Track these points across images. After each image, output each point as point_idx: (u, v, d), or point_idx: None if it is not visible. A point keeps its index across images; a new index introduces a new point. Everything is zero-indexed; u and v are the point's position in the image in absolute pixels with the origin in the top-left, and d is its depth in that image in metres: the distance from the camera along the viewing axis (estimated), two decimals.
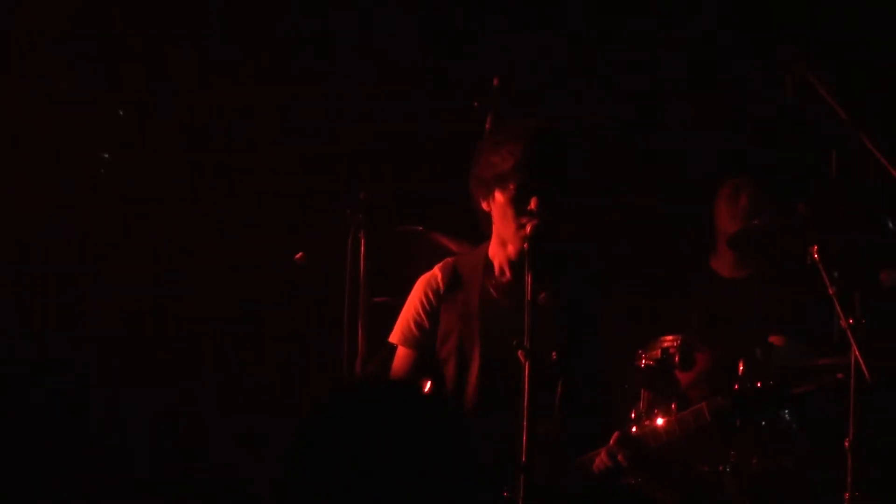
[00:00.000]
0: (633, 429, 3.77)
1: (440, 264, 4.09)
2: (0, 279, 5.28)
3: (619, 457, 3.73)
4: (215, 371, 5.40)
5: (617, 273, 4.17)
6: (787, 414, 4.49)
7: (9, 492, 5.20)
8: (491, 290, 3.98)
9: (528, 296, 3.65)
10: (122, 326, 5.38)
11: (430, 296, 4.04)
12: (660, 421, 3.76)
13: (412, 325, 4.05)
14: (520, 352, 3.60)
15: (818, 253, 4.19)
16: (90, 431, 5.32)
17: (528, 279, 3.67)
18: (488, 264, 4.00)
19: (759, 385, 3.75)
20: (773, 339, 4.57)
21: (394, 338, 4.09)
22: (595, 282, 4.00)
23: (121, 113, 5.45)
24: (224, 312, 5.40)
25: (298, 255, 4.54)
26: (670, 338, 4.42)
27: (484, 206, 3.92)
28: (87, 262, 5.32)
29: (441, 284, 4.04)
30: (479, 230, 4.01)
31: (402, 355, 4.08)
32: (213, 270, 5.43)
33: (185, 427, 5.39)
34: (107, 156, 5.45)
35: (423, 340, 4.04)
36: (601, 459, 3.76)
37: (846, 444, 4.13)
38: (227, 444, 5.35)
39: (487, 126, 4.53)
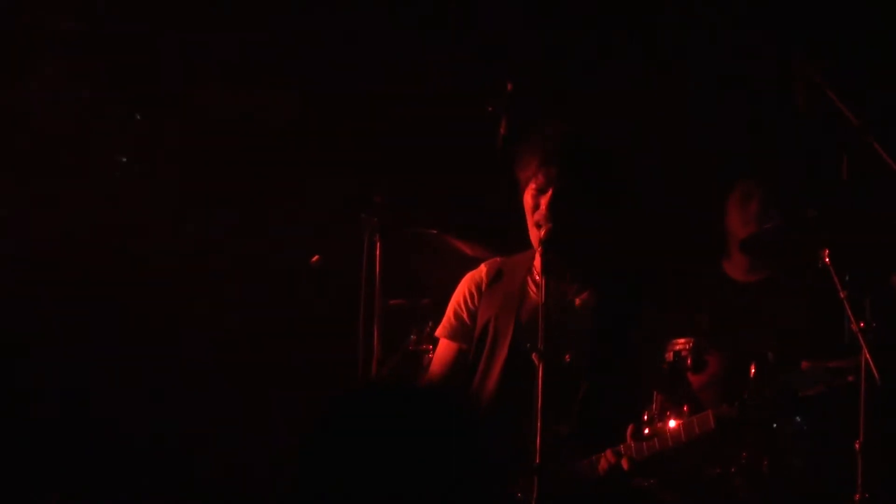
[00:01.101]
0: (645, 431, 3.80)
1: (487, 261, 4.13)
2: (18, 283, 5.30)
3: (623, 460, 3.76)
4: (230, 373, 5.42)
5: (644, 275, 4.19)
6: (797, 416, 4.50)
7: (9, 492, 5.23)
8: (531, 287, 4.01)
9: (542, 298, 3.68)
10: (134, 330, 5.40)
11: (473, 290, 4.07)
12: (670, 424, 3.77)
13: (452, 318, 4.07)
14: (534, 354, 3.63)
15: (829, 256, 4.22)
16: (97, 433, 5.34)
17: (543, 282, 3.71)
18: (532, 264, 4.03)
19: (767, 393, 3.77)
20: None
21: (438, 331, 4.12)
22: (626, 284, 4.03)
23: (137, 117, 5.48)
24: (239, 315, 5.42)
25: (314, 259, 4.57)
26: (682, 341, 4.43)
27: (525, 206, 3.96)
28: (101, 264, 5.34)
29: (484, 280, 4.07)
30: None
31: (442, 347, 4.10)
32: (229, 273, 5.45)
33: (198, 430, 5.41)
34: (124, 159, 5.48)
35: (463, 333, 4.05)
36: (606, 460, 3.78)
37: (857, 445, 4.14)
38: (241, 446, 5.37)
39: (502, 131, 4.56)
